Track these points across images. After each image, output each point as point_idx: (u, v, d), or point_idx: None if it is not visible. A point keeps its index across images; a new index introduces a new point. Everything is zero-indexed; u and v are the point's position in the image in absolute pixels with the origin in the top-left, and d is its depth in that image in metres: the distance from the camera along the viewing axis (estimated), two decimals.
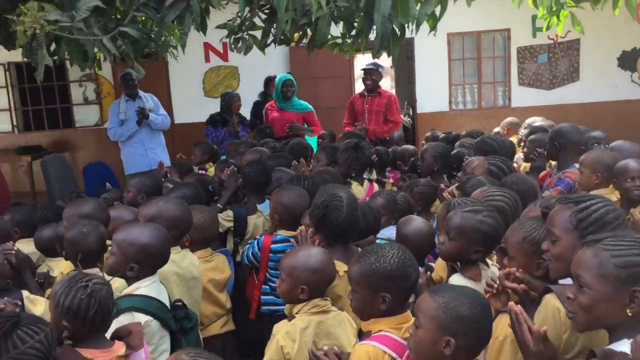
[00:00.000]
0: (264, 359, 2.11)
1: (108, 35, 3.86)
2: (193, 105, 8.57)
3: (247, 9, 4.19)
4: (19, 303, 2.19)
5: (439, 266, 2.49)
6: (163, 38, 5.00)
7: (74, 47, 4.18)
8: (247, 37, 4.57)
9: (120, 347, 1.86)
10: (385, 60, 7.20)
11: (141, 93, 6.10)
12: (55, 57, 4.17)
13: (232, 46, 4.62)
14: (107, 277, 2.10)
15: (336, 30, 4.11)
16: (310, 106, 6.26)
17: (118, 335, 1.89)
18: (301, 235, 2.57)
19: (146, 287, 2.19)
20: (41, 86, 8.86)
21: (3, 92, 8.77)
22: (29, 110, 9.04)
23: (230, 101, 6.08)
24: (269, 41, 4.52)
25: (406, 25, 3.63)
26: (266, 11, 4.47)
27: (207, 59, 8.74)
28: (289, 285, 2.16)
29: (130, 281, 2.21)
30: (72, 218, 2.66)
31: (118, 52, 4.04)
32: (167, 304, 2.24)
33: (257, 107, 6.74)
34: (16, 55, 4.95)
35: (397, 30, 3.65)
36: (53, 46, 4.00)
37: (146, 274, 2.20)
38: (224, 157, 5.00)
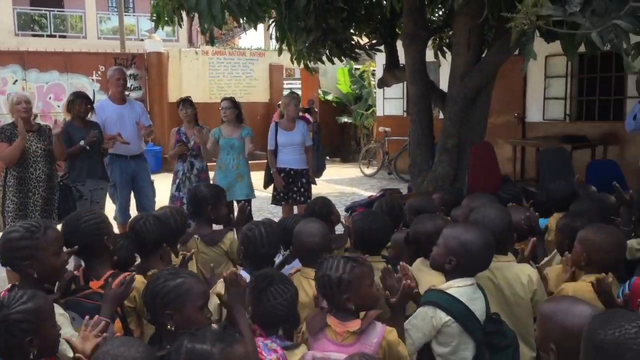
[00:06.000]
0: None
1: (598, 29, 3.67)
2: None
3: None
4: None
5: None
6: None
7: (567, 41, 4.15)
8: None
9: None
10: None
11: None
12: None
13: None
14: None
15: None
16: None
17: None
18: None
19: (457, 288, 2.19)
20: (599, 77, 8.85)
21: (562, 81, 9.18)
22: (583, 100, 9.18)
23: None
24: None
25: None
26: None
27: None
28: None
29: (448, 276, 2.25)
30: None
31: (608, 45, 3.81)
32: (481, 312, 2.17)
33: None
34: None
35: None
36: None
37: (463, 274, 2.19)
38: None
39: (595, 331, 1.53)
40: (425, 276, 2.59)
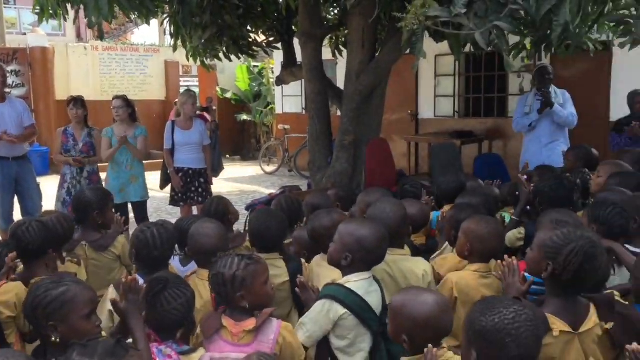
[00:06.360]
0: None
1: (480, 30, 3.86)
2: None
3: None
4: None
5: None
6: None
7: (454, 41, 4.34)
8: None
9: None
10: None
11: (553, 87, 5.84)
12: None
13: None
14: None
15: None
16: None
17: None
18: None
19: (354, 282, 2.25)
20: (483, 75, 9.38)
21: (450, 79, 9.66)
22: (470, 97, 9.70)
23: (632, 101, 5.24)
24: None
25: None
26: None
27: None
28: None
29: (344, 272, 2.31)
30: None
31: (491, 45, 4.02)
32: (377, 304, 2.24)
33: None
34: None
35: None
36: None
37: (360, 269, 2.25)
38: None
39: (476, 319, 1.60)
40: (325, 271, 2.62)
